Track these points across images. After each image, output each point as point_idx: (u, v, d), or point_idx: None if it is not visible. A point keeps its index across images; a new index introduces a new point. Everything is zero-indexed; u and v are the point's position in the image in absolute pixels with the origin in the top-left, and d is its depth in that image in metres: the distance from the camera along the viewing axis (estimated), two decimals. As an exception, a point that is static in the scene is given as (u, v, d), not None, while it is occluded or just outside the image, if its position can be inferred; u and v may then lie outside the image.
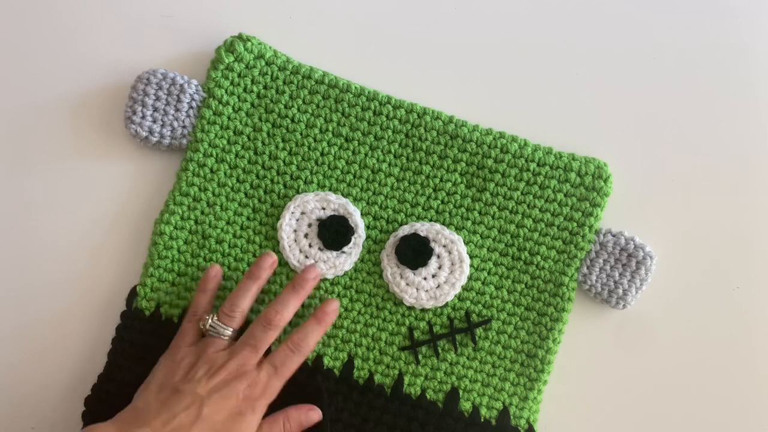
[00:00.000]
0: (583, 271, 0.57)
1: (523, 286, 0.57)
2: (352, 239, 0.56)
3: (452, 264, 0.56)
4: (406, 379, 0.56)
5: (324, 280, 0.57)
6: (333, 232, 0.56)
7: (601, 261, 0.57)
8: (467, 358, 0.56)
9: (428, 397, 0.56)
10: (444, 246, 0.57)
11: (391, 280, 0.56)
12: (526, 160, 0.57)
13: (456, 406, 0.56)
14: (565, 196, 0.57)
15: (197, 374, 0.51)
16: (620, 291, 0.56)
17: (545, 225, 0.57)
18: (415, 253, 0.56)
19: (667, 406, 0.58)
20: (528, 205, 0.57)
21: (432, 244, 0.56)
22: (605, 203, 0.57)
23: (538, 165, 0.57)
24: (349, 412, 0.54)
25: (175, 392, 0.50)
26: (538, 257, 0.57)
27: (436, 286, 0.56)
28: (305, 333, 0.53)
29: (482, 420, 0.56)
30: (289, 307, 0.53)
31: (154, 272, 0.56)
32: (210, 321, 0.53)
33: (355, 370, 0.56)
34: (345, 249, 0.56)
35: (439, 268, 0.56)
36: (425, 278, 0.56)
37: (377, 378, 0.56)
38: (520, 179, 0.57)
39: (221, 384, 0.50)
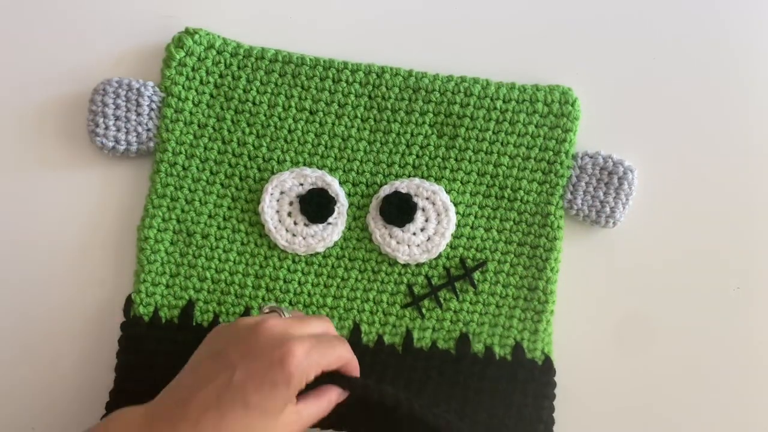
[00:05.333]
0: (567, 197, 0.57)
1: (512, 223, 0.57)
2: (335, 209, 0.57)
3: (438, 214, 0.57)
4: (415, 334, 0.57)
5: (316, 254, 0.57)
6: (315, 206, 0.56)
7: (583, 184, 0.57)
8: (470, 303, 0.57)
9: (440, 346, 0.57)
10: (427, 198, 0.57)
11: (381, 242, 0.57)
12: (491, 99, 0.57)
13: (468, 349, 0.57)
14: (536, 127, 0.57)
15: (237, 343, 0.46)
16: (608, 209, 0.57)
17: (522, 159, 0.57)
18: (400, 210, 0.56)
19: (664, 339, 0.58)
20: (501, 143, 0.57)
21: (415, 199, 0.57)
22: (576, 127, 0.57)
23: (503, 102, 0.57)
24: (362, 375, 0.53)
25: (210, 359, 0.46)
26: (521, 192, 0.57)
27: (427, 239, 0.57)
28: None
29: (497, 358, 0.56)
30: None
31: (146, 277, 0.56)
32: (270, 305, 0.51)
33: (362, 335, 0.57)
34: (330, 220, 0.57)
35: (426, 221, 0.57)
36: (414, 233, 0.57)
37: (386, 338, 0.57)
38: (489, 119, 0.57)
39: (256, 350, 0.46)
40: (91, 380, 0.56)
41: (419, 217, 0.57)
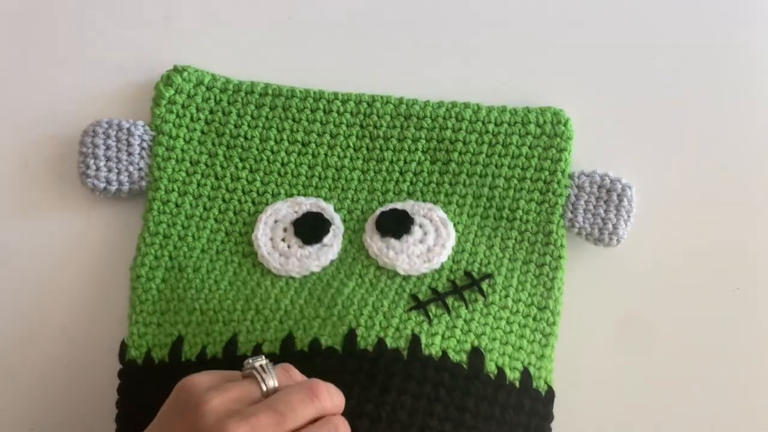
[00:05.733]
0: (568, 216, 0.56)
1: (513, 241, 0.56)
2: (331, 230, 0.56)
3: (436, 229, 0.56)
4: (423, 339, 0.50)
5: (311, 274, 0.55)
6: (310, 227, 0.55)
7: (582, 202, 0.57)
8: (480, 313, 0.53)
9: (451, 358, 0.50)
10: (424, 216, 0.56)
11: (378, 254, 0.55)
12: (483, 123, 0.57)
13: (482, 366, 0.51)
14: (529, 148, 0.57)
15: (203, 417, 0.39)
16: (610, 226, 0.56)
17: (518, 180, 0.57)
18: (396, 222, 0.55)
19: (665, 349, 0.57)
20: (495, 165, 0.57)
21: (412, 216, 0.56)
22: (570, 146, 0.57)
23: (495, 125, 0.57)
24: (361, 386, 0.48)
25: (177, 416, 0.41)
26: (520, 212, 0.56)
27: (427, 249, 0.55)
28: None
29: (507, 382, 0.52)
30: (339, 398, 0.43)
31: (138, 318, 0.54)
32: (261, 360, 0.42)
33: (359, 339, 0.50)
34: (325, 241, 0.55)
35: (425, 234, 0.56)
36: (413, 244, 0.55)
37: (389, 342, 0.50)
38: (482, 142, 0.57)
39: None
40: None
41: (417, 230, 0.56)
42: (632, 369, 0.56)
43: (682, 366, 0.56)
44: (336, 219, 0.56)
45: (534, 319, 0.54)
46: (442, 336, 0.51)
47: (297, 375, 0.43)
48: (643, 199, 0.57)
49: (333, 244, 0.55)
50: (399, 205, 0.56)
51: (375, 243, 0.55)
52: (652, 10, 0.62)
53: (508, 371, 0.52)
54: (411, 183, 0.57)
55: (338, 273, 0.55)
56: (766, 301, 0.58)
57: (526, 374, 0.53)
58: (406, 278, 0.54)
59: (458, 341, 0.51)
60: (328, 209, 0.56)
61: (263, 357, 0.42)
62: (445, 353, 0.50)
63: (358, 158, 0.57)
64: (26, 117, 0.58)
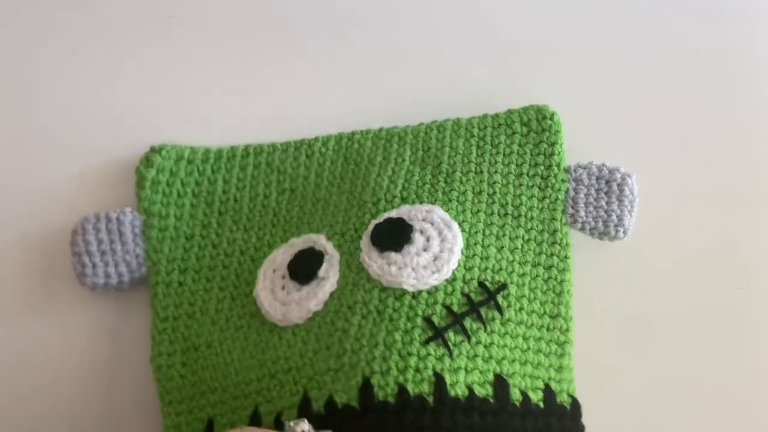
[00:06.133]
0: (569, 212, 0.55)
1: (522, 241, 0.53)
2: (324, 261, 0.51)
3: (440, 231, 0.51)
4: (447, 378, 0.45)
5: (314, 315, 0.50)
6: (302, 266, 0.51)
7: (582, 196, 0.55)
8: (499, 334, 0.48)
9: (477, 393, 0.45)
10: (423, 220, 0.51)
11: (380, 273, 0.49)
12: (466, 129, 0.56)
13: (508, 397, 0.46)
14: (519, 146, 0.56)
15: None
16: (614, 218, 0.54)
17: (515, 177, 0.55)
18: (393, 233, 0.50)
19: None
20: (489, 163, 0.55)
21: (409, 222, 0.51)
22: (561, 139, 0.56)
23: (479, 129, 0.56)
24: None
25: None
26: (524, 208, 0.54)
27: (433, 258, 0.49)
28: None
29: (533, 406, 0.47)
30: None
31: (169, 410, 0.52)
32: (305, 425, 0.40)
33: (376, 390, 0.44)
34: (320, 273, 0.51)
35: (428, 240, 0.50)
36: (417, 254, 0.49)
37: (410, 387, 0.44)
38: (470, 145, 0.56)
39: None
40: None
41: (418, 238, 0.50)
42: (632, 368, 0.54)
43: (681, 366, 0.54)
44: (328, 247, 0.52)
45: (548, 329, 0.51)
46: (465, 369, 0.46)
47: None
48: (642, 196, 0.56)
49: (329, 275, 0.51)
50: (394, 213, 0.51)
51: (374, 261, 0.49)
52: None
53: (531, 394, 0.47)
54: (403, 187, 0.53)
55: (340, 306, 0.49)
56: (766, 300, 0.56)
57: (548, 391, 0.48)
58: (416, 296, 0.48)
59: (481, 372, 0.47)
60: (318, 240, 0.52)
61: (305, 422, 0.40)
62: (471, 389, 0.45)
63: (344, 183, 0.56)
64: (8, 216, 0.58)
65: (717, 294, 0.56)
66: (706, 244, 0.57)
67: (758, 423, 0.54)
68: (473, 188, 0.54)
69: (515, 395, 0.47)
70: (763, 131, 0.60)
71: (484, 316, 0.48)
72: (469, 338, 0.47)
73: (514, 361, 0.48)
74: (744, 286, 0.56)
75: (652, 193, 0.57)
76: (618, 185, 0.55)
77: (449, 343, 0.46)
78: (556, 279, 0.52)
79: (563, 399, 0.48)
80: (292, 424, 0.40)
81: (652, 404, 0.54)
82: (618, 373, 0.54)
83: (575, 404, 0.49)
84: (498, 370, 0.47)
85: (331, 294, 0.50)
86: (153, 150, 0.57)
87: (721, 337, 0.55)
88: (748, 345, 0.55)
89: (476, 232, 0.52)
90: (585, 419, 0.50)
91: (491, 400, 0.45)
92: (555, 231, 0.54)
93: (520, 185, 0.54)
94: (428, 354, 0.45)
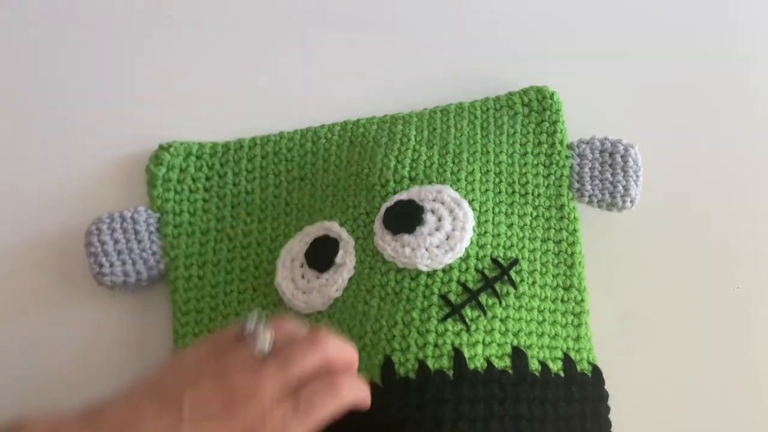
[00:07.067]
0: (575, 187, 0.56)
1: (530, 217, 0.54)
2: (340, 247, 0.52)
3: (451, 211, 0.52)
4: (465, 352, 0.47)
5: (335, 301, 0.52)
6: (319, 254, 0.52)
7: (587, 170, 0.56)
8: (514, 308, 0.50)
9: (496, 365, 0.47)
10: (433, 200, 0.52)
11: (394, 256, 0.50)
12: (469, 111, 0.58)
13: (526, 367, 0.48)
14: (522, 126, 0.57)
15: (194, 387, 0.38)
16: (621, 188, 0.55)
17: (520, 156, 0.56)
18: (404, 215, 0.51)
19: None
20: (494, 143, 0.56)
21: (419, 203, 0.52)
22: (562, 117, 0.57)
23: (482, 111, 0.58)
24: (413, 420, 0.44)
25: (155, 399, 0.38)
26: (530, 186, 0.55)
27: (446, 237, 0.51)
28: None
29: (553, 376, 0.49)
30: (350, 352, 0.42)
31: None
32: (257, 315, 0.40)
33: (397, 367, 0.46)
34: (337, 260, 0.52)
35: (439, 220, 0.52)
36: (430, 234, 0.51)
37: (430, 363, 0.46)
38: (474, 126, 0.57)
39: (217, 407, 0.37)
40: None
41: (430, 218, 0.51)
42: (632, 368, 0.54)
43: (681, 365, 0.55)
44: (342, 233, 0.53)
45: (562, 301, 0.52)
46: (483, 343, 0.48)
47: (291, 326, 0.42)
48: (643, 194, 0.57)
49: (346, 261, 0.52)
50: (404, 195, 0.52)
51: (388, 244, 0.51)
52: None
53: (550, 364, 0.49)
54: (411, 167, 0.54)
55: (359, 290, 0.50)
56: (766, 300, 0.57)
57: (567, 361, 0.50)
58: (431, 275, 0.50)
59: (499, 345, 0.48)
60: (332, 227, 0.53)
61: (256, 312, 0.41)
62: (489, 362, 0.47)
63: (351, 166, 0.56)
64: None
65: (716, 294, 0.56)
66: (705, 244, 0.57)
67: (758, 422, 0.54)
68: (480, 168, 0.55)
69: (534, 366, 0.48)
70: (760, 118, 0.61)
71: (498, 291, 0.50)
72: (485, 313, 0.49)
73: (530, 333, 0.50)
74: (744, 286, 0.56)
75: (649, 192, 0.57)
76: (622, 156, 0.56)
77: (466, 319, 0.48)
78: (566, 252, 0.54)
79: (584, 367, 0.50)
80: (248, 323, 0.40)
81: (652, 404, 0.54)
82: (618, 373, 0.53)
83: (596, 372, 0.50)
84: (515, 342, 0.49)
85: (350, 279, 0.51)
86: (161, 148, 0.57)
87: (720, 338, 0.55)
88: (748, 345, 0.55)
89: (486, 210, 0.53)
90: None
91: (510, 372, 0.47)
92: (562, 206, 0.55)
93: (526, 164, 0.56)
94: (446, 330, 0.47)
